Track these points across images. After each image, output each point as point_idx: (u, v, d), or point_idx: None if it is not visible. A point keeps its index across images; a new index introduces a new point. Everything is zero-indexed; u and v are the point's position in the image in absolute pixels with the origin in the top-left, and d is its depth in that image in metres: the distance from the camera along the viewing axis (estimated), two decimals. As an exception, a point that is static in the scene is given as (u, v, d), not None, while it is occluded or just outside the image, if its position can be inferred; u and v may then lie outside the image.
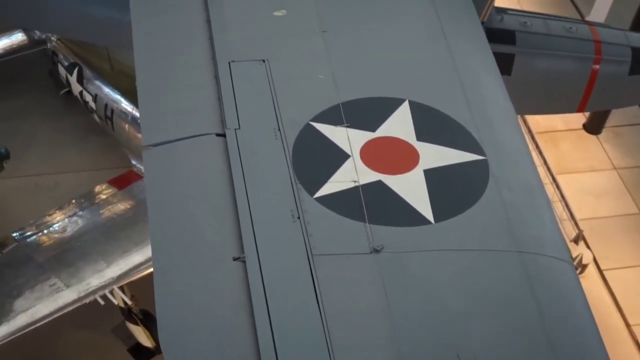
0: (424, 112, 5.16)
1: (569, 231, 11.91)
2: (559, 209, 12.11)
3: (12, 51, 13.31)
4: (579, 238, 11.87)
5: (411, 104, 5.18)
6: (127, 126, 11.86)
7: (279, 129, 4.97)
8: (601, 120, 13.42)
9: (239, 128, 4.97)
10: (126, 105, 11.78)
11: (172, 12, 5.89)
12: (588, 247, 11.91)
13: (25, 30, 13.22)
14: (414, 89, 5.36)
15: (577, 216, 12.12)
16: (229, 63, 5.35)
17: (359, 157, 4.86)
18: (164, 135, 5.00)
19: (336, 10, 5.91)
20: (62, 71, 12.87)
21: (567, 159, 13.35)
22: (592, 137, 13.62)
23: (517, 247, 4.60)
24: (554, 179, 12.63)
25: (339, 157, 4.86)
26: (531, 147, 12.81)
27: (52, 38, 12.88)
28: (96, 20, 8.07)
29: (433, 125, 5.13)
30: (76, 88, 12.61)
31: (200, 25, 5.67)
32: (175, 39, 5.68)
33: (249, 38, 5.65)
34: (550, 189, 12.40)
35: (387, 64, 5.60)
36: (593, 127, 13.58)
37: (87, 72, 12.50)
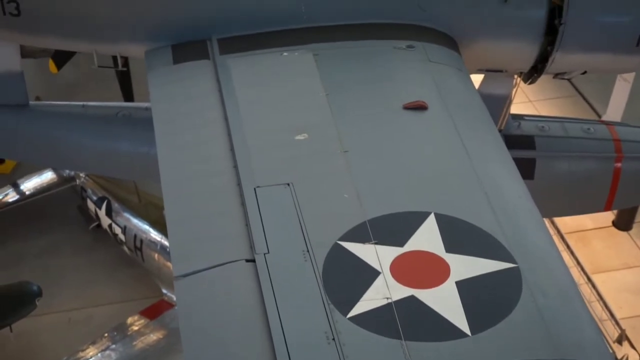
0: (450, 224, 5.17)
1: (611, 332, 11.61)
2: (597, 309, 11.85)
3: (42, 190, 13.71)
4: (622, 338, 11.55)
5: (437, 216, 5.20)
6: (156, 255, 11.99)
7: (308, 251, 4.99)
8: (630, 216, 13.33)
9: (268, 252, 5.00)
10: (155, 235, 11.95)
11: (197, 144, 6.07)
12: (633, 346, 11.57)
13: (55, 169, 13.63)
14: (438, 201, 5.39)
15: (618, 315, 11.84)
16: (255, 189, 5.44)
17: (389, 273, 4.84)
18: (194, 264, 5.04)
19: (356, 130, 6.04)
20: (91, 206, 13.17)
21: (600, 257, 13.18)
22: (623, 234, 13.48)
23: (558, 355, 4.49)
24: (589, 279, 12.43)
25: (370, 274, 4.85)
26: (562, 248, 12.71)
27: (81, 175, 13.25)
28: (123, 155, 8.30)
29: (461, 236, 5.13)
30: (105, 221, 12.85)
31: (224, 154, 5.81)
32: (202, 170, 5.82)
33: (273, 163, 5.77)
34: (586, 290, 12.19)
35: (409, 179, 5.66)
36: (623, 223, 13.47)
37: (115, 205, 12.78)
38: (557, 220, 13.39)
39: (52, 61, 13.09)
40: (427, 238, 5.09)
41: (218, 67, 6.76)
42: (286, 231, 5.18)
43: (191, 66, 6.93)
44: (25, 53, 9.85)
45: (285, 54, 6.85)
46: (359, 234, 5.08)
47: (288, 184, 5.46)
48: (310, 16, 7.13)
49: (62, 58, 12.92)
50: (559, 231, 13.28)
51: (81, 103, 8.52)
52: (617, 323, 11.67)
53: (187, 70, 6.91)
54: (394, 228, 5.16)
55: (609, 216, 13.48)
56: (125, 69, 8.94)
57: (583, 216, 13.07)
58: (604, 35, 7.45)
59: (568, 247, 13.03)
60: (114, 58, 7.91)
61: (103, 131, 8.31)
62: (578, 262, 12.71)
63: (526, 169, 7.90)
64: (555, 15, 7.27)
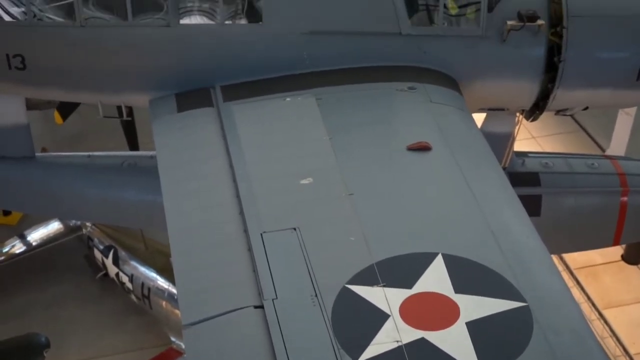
0: (458, 264, 5.16)
1: (625, 368, 11.46)
2: (611, 345, 11.71)
3: (49, 240, 13.69)
4: (636, 374, 11.40)
5: (445, 257, 5.19)
6: (164, 303, 11.94)
7: (316, 295, 4.97)
8: (639, 249, 13.24)
9: (277, 298, 4.99)
10: (162, 282, 11.91)
11: (203, 191, 6.09)
12: (647, 382, 11.41)
13: (61, 219, 13.64)
14: (445, 241, 5.39)
15: (631, 350, 11.69)
16: (261, 234, 5.45)
17: (398, 315, 4.82)
18: (202, 312, 5.02)
19: (361, 172, 6.07)
20: (97, 255, 13.14)
21: (611, 292, 13.06)
22: (633, 268, 13.39)
23: (572, 393, 4.45)
24: (600, 315, 12.31)
25: (379, 317, 4.82)
26: (571, 284, 12.62)
27: (87, 224, 13.25)
28: (129, 204, 8.33)
29: (469, 276, 5.11)
30: (112, 270, 12.82)
31: (230, 201, 5.83)
32: (208, 217, 5.83)
33: (279, 208, 5.78)
34: (598, 326, 12.06)
35: (415, 220, 5.67)
36: (632, 257, 13.39)
37: (122, 254, 12.75)
38: (566, 256, 13.31)
39: (57, 112, 13.20)
40: (436, 279, 5.07)
41: (222, 114, 6.82)
42: (294, 276, 5.17)
43: (195, 114, 6.99)
44: (31, 105, 9.97)
45: (288, 99, 6.92)
46: (367, 277, 5.07)
47: (294, 229, 5.47)
48: (312, 61, 7.21)
49: (67, 109, 13.04)
50: (568, 267, 13.20)
51: (87, 153, 8.59)
52: (631, 359, 11.53)
53: (191, 118, 6.98)
54: (401, 270, 5.15)
55: (618, 250, 13.40)
56: (130, 118, 9.01)
57: (592, 251, 13.00)
58: (603, 70, 7.51)
59: (578, 282, 12.93)
60: (119, 108, 7.99)
61: (109, 181, 8.35)
62: (589, 298, 12.61)
63: (532, 206, 7.90)
64: (554, 52, 7.33)
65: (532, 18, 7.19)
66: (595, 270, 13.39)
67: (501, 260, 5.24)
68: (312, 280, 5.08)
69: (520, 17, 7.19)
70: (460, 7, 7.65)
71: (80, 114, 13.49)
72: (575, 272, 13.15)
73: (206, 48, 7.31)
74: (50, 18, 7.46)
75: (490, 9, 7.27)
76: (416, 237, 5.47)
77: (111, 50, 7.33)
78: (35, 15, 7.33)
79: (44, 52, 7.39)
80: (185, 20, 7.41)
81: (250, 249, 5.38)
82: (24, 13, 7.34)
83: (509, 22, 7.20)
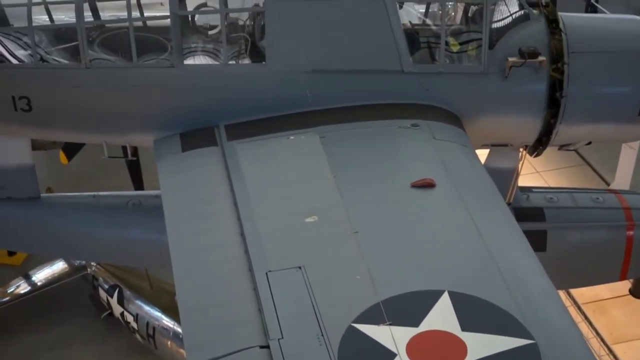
0: (465, 302, 5.13)
1: (636, 404, 11.31)
2: (621, 380, 11.58)
3: (54, 280, 13.66)
4: (648, 410, 11.24)
5: (451, 294, 5.17)
6: (169, 343, 11.86)
7: (322, 335, 4.94)
8: (647, 283, 13.13)
9: (282, 338, 4.96)
10: (167, 322, 11.84)
11: (208, 230, 6.09)
12: (659, 418, 11.25)
13: (66, 259, 13.63)
14: (451, 279, 5.37)
15: (642, 386, 11.56)
16: (266, 273, 5.44)
17: (405, 354, 4.79)
18: (208, 352, 4.99)
19: (365, 210, 6.07)
20: (102, 294, 13.10)
21: (620, 327, 12.95)
22: (642, 302, 13.27)
23: None
24: (610, 350, 12.20)
25: (386, 356, 4.79)
26: (579, 319, 12.51)
27: (92, 263, 13.23)
28: (134, 244, 8.33)
29: (476, 313, 5.08)
30: (117, 309, 12.77)
31: (235, 240, 5.83)
32: (213, 256, 5.83)
33: (283, 247, 5.78)
34: (608, 361, 11.94)
35: (421, 257, 5.65)
36: (640, 291, 13.26)
37: (127, 293, 12.71)
38: (573, 291, 13.22)
39: (62, 152, 13.27)
40: (442, 317, 5.04)
41: (226, 153, 6.85)
42: (299, 315, 5.14)
43: (199, 153, 7.03)
44: (37, 145, 10.02)
45: (291, 137, 6.95)
46: (373, 316, 5.04)
47: (299, 267, 5.46)
48: (315, 99, 7.26)
49: (72, 149, 13.10)
50: (575, 302, 13.11)
51: (92, 193, 8.61)
52: (641, 394, 11.41)
53: (195, 157, 7.01)
54: (408, 308, 5.12)
55: (625, 284, 13.27)
56: (134, 158, 9.06)
57: (599, 286, 12.91)
58: (605, 106, 7.55)
59: (586, 317, 12.83)
60: (124, 148, 8.03)
61: (114, 220, 8.37)
62: (597, 333, 12.50)
63: (538, 241, 7.88)
64: (556, 88, 7.37)
65: (533, 55, 7.24)
66: (603, 305, 13.28)
67: (508, 297, 5.21)
68: (317, 320, 5.05)
69: (521, 53, 7.25)
70: (461, 44, 7.72)
71: (86, 154, 13.56)
72: (583, 307, 13.05)
73: (210, 88, 7.37)
74: (56, 60, 7.55)
75: (491, 46, 7.34)
76: (422, 274, 5.45)
77: (116, 92, 7.39)
78: (41, 58, 7.42)
79: (50, 94, 7.46)
80: (189, 61, 7.49)
81: (255, 288, 5.37)
82: (30, 55, 7.42)
83: (511, 59, 7.25)
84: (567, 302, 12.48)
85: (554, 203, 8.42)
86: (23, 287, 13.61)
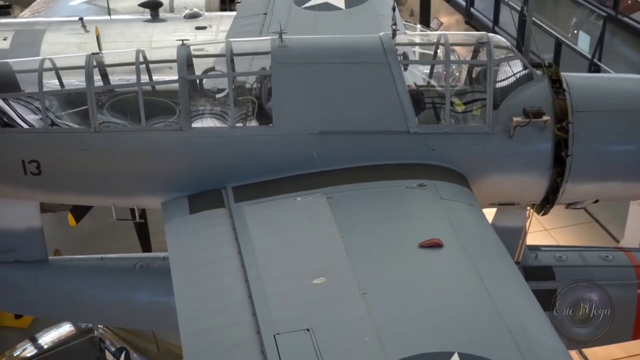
0: None
1: None
2: None
3: (60, 343, 13.53)
4: None
5: (461, 356, 5.11)
6: (173, 409, 11.71)
7: (331, 399, 4.89)
8: (660, 342, 12.94)
9: (291, 402, 4.90)
10: (174, 386, 11.70)
11: (215, 293, 6.08)
12: None
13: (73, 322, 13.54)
14: (461, 340, 5.31)
15: None
16: (274, 336, 5.40)
17: None
18: (215, 418, 4.94)
19: (373, 271, 6.05)
20: (109, 357, 12.96)
21: (634, 387, 12.72)
22: (655, 361, 13.04)
23: None
24: (624, 411, 11.94)
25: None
26: (593, 379, 12.29)
27: (99, 326, 13.15)
28: (142, 306, 8.29)
29: (487, 375, 5.02)
30: (124, 375, 12.64)
31: (243, 302, 5.81)
32: (221, 320, 5.79)
33: (292, 309, 5.74)
34: (623, 422, 11.69)
35: (430, 319, 5.61)
36: (653, 350, 13.06)
37: (134, 356, 12.58)
38: (585, 350, 13.02)
39: (70, 215, 13.31)
40: (453, 379, 4.98)
41: (234, 215, 6.87)
42: (308, 379, 5.09)
43: (207, 215, 7.05)
44: (45, 207, 10.06)
45: (299, 198, 6.98)
46: None
47: (308, 330, 5.42)
48: (322, 161, 7.31)
49: (80, 212, 13.14)
50: (588, 361, 12.90)
51: (100, 256, 8.61)
52: None
53: (203, 219, 7.03)
54: (417, 370, 5.06)
55: (639, 343, 13.12)
56: (142, 220, 9.08)
57: (612, 345, 12.72)
58: (612, 164, 7.57)
59: (599, 378, 12.60)
60: (132, 210, 8.07)
61: (122, 283, 8.34)
62: (611, 394, 12.27)
63: (547, 300, 7.82)
64: (561, 147, 7.41)
65: (538, 114, 7.30)
66: (617, 364, 13.07)
67: (518, 358, 5.15)
68: (326, 383, 5.00)
69: (525, 113, 7.31)
70: (466, 104, 7.80)
71: (94, 216, 13.60)
72: (595, 367, 12.83)
73: (218, 150, 7.44)
74: (66, 124, 7.65)
75: (495, 106, 7.42)
76: (431, 335, 5.40)
77: (125, 155, 7.47)
78: (52, 122, 7.52)
79: (59, 158, 7.54)
80: (197, 124, 7.58)
81: (263, 351, 5.32)
82: (41, 120, 7.53)
83: (515, 119, 7.32)
84: (580, 362, 12.30)
85: (563, 262, 8.37)
86: (29, 350, 13.49)
